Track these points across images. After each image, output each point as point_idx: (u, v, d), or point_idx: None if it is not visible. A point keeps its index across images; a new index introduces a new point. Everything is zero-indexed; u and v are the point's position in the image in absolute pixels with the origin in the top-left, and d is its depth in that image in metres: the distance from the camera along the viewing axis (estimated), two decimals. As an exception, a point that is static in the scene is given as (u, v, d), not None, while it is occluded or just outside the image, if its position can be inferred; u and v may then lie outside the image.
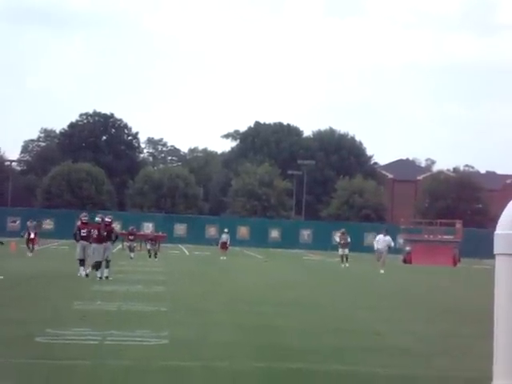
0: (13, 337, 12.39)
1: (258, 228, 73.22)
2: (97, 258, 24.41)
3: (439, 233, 56.20)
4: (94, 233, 24.76)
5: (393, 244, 37.27)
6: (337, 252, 43.29)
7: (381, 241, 37.05)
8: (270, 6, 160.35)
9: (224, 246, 46.38)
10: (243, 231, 73.01)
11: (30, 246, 40.24)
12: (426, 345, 13.61)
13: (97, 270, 24.44)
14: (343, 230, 43.74)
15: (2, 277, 23.33)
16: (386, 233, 37.74)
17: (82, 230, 25.51)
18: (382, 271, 34.89)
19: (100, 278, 24.07)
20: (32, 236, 40.81)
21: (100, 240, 24.54)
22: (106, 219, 25.43)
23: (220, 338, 13.14)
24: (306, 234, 73.75)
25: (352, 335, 14.39)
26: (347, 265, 40.00)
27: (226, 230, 47.97)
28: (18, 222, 65.50)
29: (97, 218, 25.81)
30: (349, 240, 42.17)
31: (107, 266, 24.52)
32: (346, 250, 41.28)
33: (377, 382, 10.33)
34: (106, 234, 24.68)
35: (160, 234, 57.59)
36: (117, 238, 26.65)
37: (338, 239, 43.31)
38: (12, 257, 31.52)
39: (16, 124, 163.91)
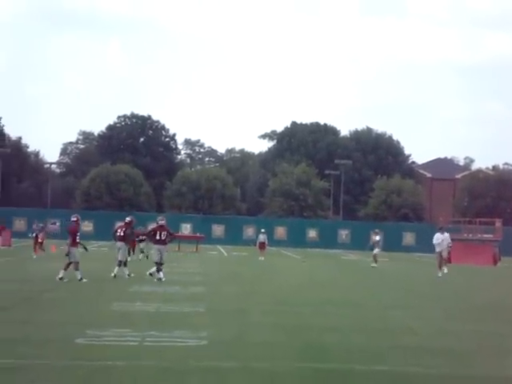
0: (53, 338, 12.53)
1: (296, 228, 73.08)
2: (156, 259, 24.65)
3: (479, 232, 55.64)
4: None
5: (450, 242, 35.32)
6: (380, 252, 43.20)
7: (440, 240, 34.63)
8: (306, 5, 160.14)
9: (262, 246, 46.39)
10: (281, 231, 72.91)
11: (37, 248, 39.58)
12: (465, 344, 13.52)
13: (158, 271, 24.54)
14: (377, 230, 43.64)
15: (85, 280, 23.66)
16: (443, 230, 35.58)
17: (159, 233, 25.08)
18: (445, 271, 33.57)
19: (159, 279, 24.22)
20: (40, 239, 40.37)
21: (159, 242, 24.75)
22: (160, 221, 25.47)
23: (258, 339, 13.16)
24: (343, 233, 73.44)
25: (390, 334, 14.34)
26: (375, 265, 39.49)
27: (263, 231, 47.98)
28: (57, 224, 66.20)
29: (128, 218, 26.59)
30: (377, 239, 41.87)
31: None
32: (376, 250, 40.90)
33: (417, 382, 10.28)
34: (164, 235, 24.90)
35: (198, 234, 57.85)
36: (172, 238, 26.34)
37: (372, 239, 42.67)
38: (52, 259, 31.76)
39: (55, 127, 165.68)
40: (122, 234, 25.66)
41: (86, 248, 24.86)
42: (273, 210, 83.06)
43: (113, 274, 24.85)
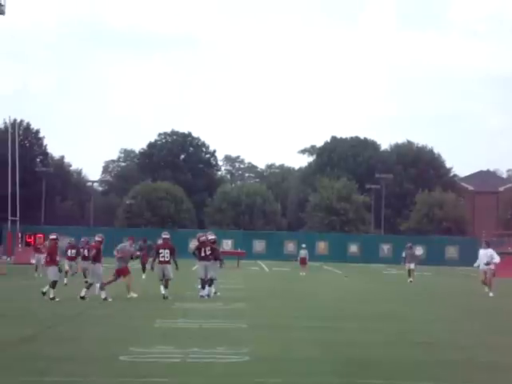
0: (97, 356, 12.63)
1: (337, 243, 72.88)
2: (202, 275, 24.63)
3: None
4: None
5: (496, 259, 30.17)
6: (423, 266, 41.87)
7: (482, 256, 30.71)
8: (345, 19, 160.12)
9: (303, 261, 46.31)
10: (322, 246, 72.74)
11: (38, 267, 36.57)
12: (510, 358, 13.36)
13: (203, 288, 24.55)
14: (409, 244, 41.05)
15: (135, 295, 23.80)
16: (487, 245, 31.73)
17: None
18: (490, 294, 29.29)
19: (207, 296, 24.23)
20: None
21: (204, 258, 24.67)
22: (210, 237, 25.37)
23: (301, 355, 13.14)
24: (385, 248, 73.04)
25: (432, 348, 14.22)
26: (410, 280, 37.83)
27: (303, 246, 47.91)
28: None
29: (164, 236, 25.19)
30: (416, 254, 40.73)
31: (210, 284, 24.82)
32: (412, 265, 38.95)
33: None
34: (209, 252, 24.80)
35: (239, 250, 57.90)
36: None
37: (404, 254, 40.42)
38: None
39: (96, 145, 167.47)
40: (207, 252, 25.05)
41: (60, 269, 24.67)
42: (313, 225, 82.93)
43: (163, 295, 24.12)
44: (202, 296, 24.29)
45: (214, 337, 15.14)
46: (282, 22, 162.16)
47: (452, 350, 14.13)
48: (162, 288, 24.00)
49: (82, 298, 23.23)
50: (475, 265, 30.90)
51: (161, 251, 24.19)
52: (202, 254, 24.70)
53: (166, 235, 24.98)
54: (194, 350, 13.11)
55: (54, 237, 24.43)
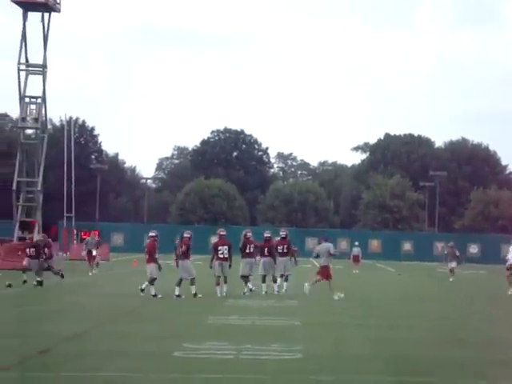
0: (152, 352, 12.74)
1: (390, 241, 72.37)
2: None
3: None
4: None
5: None
6: (475, 264, 40.77)
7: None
8: (400, 15, 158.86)
9: (356, 259, 46.08)
10: (375, 244, 72.33)
11: (93, 264, 35.88)
12: None
13: (246, 283, 24.66)
14: (451, 243, 40.33)
15: (342, 295, 23.98)
16: None
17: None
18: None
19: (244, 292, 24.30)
20: (94, 253, 36.26)
21: (248, 255, 24.74)
22: (266, 235, 25.61)
23: (353, 352, 13.11)
24: (439, 246, 72.30)
25: (484, 347, 14.07)
26: (451, 279, 36.60)
27: (356, 243, 47.69)
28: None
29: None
30: (457, 254, 39.10)
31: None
32: (454, 264, 38.23)
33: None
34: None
35: (293, 247, 57.73)
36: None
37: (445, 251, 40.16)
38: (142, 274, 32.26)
39: (150, 142, 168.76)
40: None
41: (160, 267, 24.54)
42: (366, 223, 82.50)
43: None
44: (250, 290, 24.54)
45: (267, 334, 15.17)
46: (335, 20, 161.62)
47: (500, 349, 13.96)
48: (218, 288, 23.91)
49: (178, 296, 23.10)
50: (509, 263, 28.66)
51: (219, 248, 24.12)
52: (247, 251, 24.75)
53: (222, 232, 24.84)
54: (247, 347, 13.14)
55: (154, 234, 24.39)
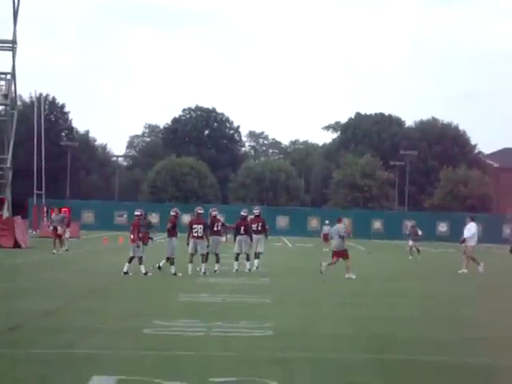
0: (122, 329, 12.75)
1: (361, 219, 72.69)
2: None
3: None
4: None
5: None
6: (443, 243, 41.28)
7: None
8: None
9: (326, 237, 46.23)
10: (345, 223, 72.66)
11: (57, 242, 34.30)
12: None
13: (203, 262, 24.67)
14: (413, 222, 42.12)
15: (354, 276, 23.97)
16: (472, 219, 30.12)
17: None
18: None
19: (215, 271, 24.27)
20: (59, 230, 34.68)
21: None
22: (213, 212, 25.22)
23: (325, 330, 13.20)
24: (409, 224, 72.80)
25: (455, 326, 14.25)
26: (411, 257, 37.89)
27: (327, 222, 47.83)
28: (124, 216, 66.94)
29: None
30: (419, 233, 39.98)
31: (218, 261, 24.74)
32: (411, 242, 39.20)
33: (486, 373, 10.20)
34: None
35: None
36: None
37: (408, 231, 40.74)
38: (122, 250, 32.23)
39: (122, 120, 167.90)
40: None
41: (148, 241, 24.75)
42: (337, 202, 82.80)
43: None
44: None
45: (237, 311, 15.24)
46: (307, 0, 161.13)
47: (475, 328, 14.14)
48: (190, 265, 23.96)
49: (159, 267, 23.85)
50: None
51: (194, 227, 24.06)
52: (214, 229, 24.71)
53: (200, 210, 24.75)
54: (217, 324, 13.20)
55: (138, 213, 24.26)
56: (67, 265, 27.46)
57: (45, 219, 54.21)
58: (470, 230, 28.82)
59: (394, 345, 11.94)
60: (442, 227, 72.72)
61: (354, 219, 73.18)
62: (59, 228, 34.84)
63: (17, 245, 37.52)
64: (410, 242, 39.37)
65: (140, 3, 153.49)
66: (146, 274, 22.96)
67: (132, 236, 23.72)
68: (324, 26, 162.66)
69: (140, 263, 23.31)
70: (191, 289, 19.40)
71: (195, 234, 23.97)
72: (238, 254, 25.37)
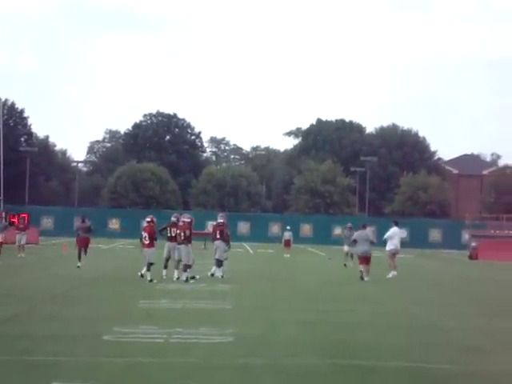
0: (80, 335, 12.66)
1: (321, 225, 72.98)
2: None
3: (506, 228, 55.31)
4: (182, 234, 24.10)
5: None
6: (405, 248, 38.22)
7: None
8: (331, 0, 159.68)
9: (287, 243, 46.37)
10: (306, 229, 72.88)
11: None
12: (493, 341, 13.48)
13: (164, 267, 24.65)
14: (350, 224, 37.16)
15: (155, 281, 23.74)
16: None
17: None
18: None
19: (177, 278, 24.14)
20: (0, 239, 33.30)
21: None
22: (185, 219, 24.64)
23: (285, 336, 13.21)
24: (370, 230, 73.26)
25: (415, 331, 14.34)
26: (350, 264, 34.10)
27: (288, 228, 47.96)
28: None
29: (173, 218, 25.19)
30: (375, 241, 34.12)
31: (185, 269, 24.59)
32: (347, 247, 34.83)
33: (445, 379, 10.27)
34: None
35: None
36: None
37: (343, 235, 35.77)
38: (72, 257, 31.96)
39: (82, 125, 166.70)
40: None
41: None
42: (298, 208, 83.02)
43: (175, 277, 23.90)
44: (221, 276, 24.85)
45: (197, 317, 15.19)
46: (268, 3, 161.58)
47: (430, 332, 14.25)
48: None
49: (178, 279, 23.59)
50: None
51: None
52: (173, 235, 24.61)
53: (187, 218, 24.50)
54: (177, 330, 13.15)
55: (149, 220, 24.30)
56: (27, 271, 27.19)
57: (3, 225, 53.37)
58: (389, 234, 28.83)
59: (354, 350, 11.98)
60: (402, 233, 73.10)
61: (314, 225, 73.50)
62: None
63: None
64: (346, 247, 35.01)
65: (101, 8, 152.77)
66: (151, 280, 23.01)
67: (146, 242, 23.65)
68: (285, 32, 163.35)
69: (148, 269, 23.47)
70: (152, 295, 19.30)
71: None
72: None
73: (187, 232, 23.80)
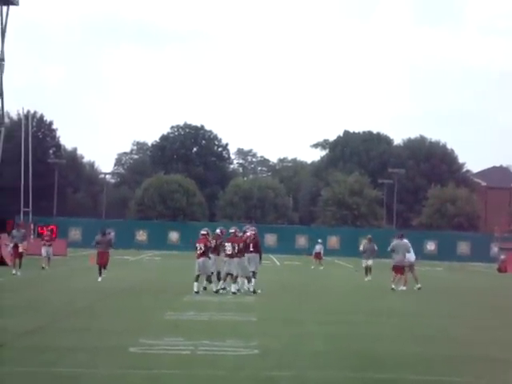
0: (107, 347, 12.66)
1: (349, 237, 72.70)
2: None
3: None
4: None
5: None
6: (432, 261, 38.28)
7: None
8: (361, 13, 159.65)
9: (318, 256, 46.29)
10: (333, 241, 72.65)
11: (17, 261, 31.31)
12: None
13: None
14: (369, 236, 36.26)
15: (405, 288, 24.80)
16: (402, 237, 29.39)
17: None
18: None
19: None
20: (20, 249, 31.35)
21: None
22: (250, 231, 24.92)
23: (310, 348, 13.13)
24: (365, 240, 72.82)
25: (439, 344, 14.21)
26: (369, 278, 33.43)
27: (319, 241, 47.79)
28: (112, 234, 66.65)
29: (217, 231, 25.08)
30: (375, 248, 34.80)
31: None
32: (370, 261, 34.14)
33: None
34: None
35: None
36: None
37: (362, 247, 35.13)
38: (108, 268, 32.01)
39: (110, 137, 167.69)
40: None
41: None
42: (325, 220, 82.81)
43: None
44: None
45: (223, 329, 15.16)
46: (296, 16, 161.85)
47: (459, 346, 14.11)
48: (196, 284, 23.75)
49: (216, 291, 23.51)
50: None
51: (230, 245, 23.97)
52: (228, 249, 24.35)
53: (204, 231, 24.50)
54: (203, 343, 13.11)
55: (205, 232, 24.23)
56: (53, 282, 27.33)
57: (31, 237, 53.88)
58: (390, 247, 28.74)
59: (378, 363, 11.87)
60: (430, 246, 72.83)
61: (341, 237, 73.25)
62: (20, 246, 31.47)
63: (2, 262, 37.23)
64: (367, 262, 34.22)
65: (128, 20, 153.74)
66: (217, 291, 23.28)
67: (199, 252, 23.57)
68: (313, 44, 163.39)
69: (209, 281, 23.72)
70: (178, 307, 19.30)
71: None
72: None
73: (241, 245, 23.89)
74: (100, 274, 27.69)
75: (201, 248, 23.66)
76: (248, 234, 24.66)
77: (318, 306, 20.80)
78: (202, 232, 24.35)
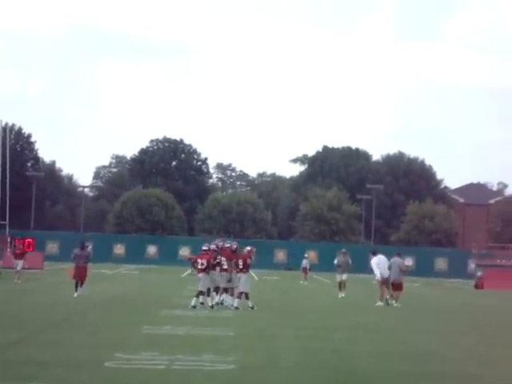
0: (82, 361, 12.58)
1: (327, 253, 72.67)
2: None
3: (512, 257, 55.10)
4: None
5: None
6: (410, 277, 38.53)
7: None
8: (340, 29, 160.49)
9: (304, 270, 46.53)
10: (312, 256, 72.63)
11: None
12: (493, 370, 13.37)
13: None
14: (344, 250, 35.60)
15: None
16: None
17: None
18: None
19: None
20: None
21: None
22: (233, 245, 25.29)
23: (287, 364, 13.12)
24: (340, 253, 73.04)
25: (416, 360, 14.23)
26: (343, 294, 32.62)
27: (306, 255, 48.01)
28: (89, 247, 66.36)
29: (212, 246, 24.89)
30: (350, 262, 34.08)
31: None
32: (345, 276, 33.20)
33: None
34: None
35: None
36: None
37: (336, 261, 34.25)
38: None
39: (88, 150, 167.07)
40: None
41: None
42: (304, 234, 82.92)
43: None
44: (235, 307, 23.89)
45: (200, 344, 15.11)
46: (276, 31, 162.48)
47: (436, 362, 14.14)
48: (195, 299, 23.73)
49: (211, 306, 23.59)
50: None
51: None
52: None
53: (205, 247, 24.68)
54: (179, 357, 13.06)
55: (207, 248, 24.35)
56: (29, 296, 27.12)
57: (8, 250, 53.49)
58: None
59: (354, 378, 11.88)
60: (408, 262, 72.88)
61: (320, 252, 73.32)
62: None
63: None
64: (342, 277, 33.31)
65: (107, 33, 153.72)
66: (212, 306, 23.40)
67: (201, 268, 23.65)
68: (291, 59, 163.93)
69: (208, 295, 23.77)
70: (155, 321, 19.22)
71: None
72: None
73: (248, 261, 24.35)
74: (76, 289, 27.13)
75: (203, 264, 23.67)
76: (249, 248, 25.04)
77: (295, 321, 20.78)
78: (204, 248, 24.46)
